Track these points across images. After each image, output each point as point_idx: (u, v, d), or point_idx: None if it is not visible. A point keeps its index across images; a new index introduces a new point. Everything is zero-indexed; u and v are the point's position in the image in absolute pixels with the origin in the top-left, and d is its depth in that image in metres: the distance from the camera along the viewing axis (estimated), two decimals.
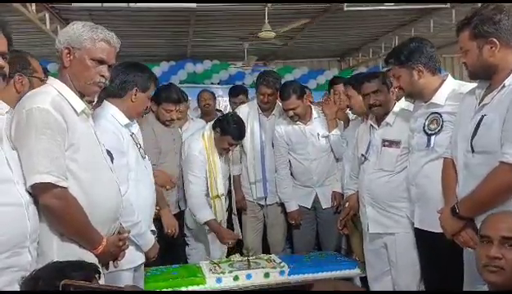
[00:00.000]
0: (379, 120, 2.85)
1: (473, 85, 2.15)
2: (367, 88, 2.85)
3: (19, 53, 2.11)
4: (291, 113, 3.68)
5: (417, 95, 2.53)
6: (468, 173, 2.02)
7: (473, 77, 2.10)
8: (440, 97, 2.41)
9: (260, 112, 3.94)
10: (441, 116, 2.38)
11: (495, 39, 1.93)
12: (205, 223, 3.47)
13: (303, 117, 3.73)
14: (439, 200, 2.25)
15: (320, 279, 2.96)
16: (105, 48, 1.92)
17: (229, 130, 3.47)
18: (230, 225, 3.87)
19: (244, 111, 3.96)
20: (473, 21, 1.97)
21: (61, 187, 1.74)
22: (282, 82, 3.89)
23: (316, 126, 3.76)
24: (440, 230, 2.17)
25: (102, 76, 1.93)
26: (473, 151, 1.97)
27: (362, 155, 2.91)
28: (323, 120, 3.76)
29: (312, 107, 3.86)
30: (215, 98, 5.39)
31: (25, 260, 1.64)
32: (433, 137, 2.39)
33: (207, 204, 3.51)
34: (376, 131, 2.85)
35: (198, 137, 3.60)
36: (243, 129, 3.59)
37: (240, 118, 3.66)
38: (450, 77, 2.49)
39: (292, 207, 3.84)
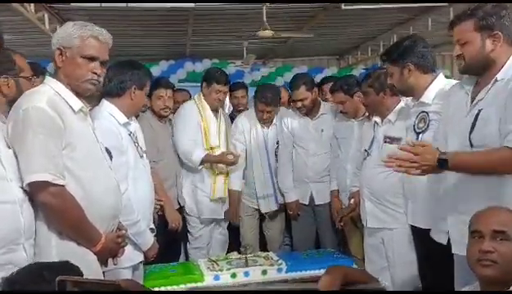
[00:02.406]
0: (383, 118, 2.91)
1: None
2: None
3: (3, 53, 2.05)
4: (299, 104, 3.73)
5: (408, 93, 2.58)
6: None
7: (466, 71, 2.08)
8: (428, 96, 2.46)
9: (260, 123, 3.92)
10: (428, 114, 2.43)
11: (500, 33, 1.92)
12: (202, 161, 3.58)
13: (310, 110, 3.75)
14: (428, 197, 2.27)
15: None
16: (94, 45, 1.93)
17: (213, 77, 3.64)
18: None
19: (244, 122, 3.93)
20: (479, 13, 1.95)
21: (58, 185, 1.76)
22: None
23: (323, 122, 3.78)
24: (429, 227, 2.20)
25: (94, 73, 1.93)
26: (471, 146, 1.97)
27: (365, 150, 2.98)
28: (331, 117, 3.78)
29: (322, 103, 3.88)
30: None
31: (20, 257, 1.66)
32: (420, 135, 2.45)
33: (197, 147, 3.62)
34: (379, 128, 2.91)
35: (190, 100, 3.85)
36: (225, 74, 3.74)
37: (221, 69, 3.91)
38: (440, 76, 2.53)
39: (291, 197, 3.86)
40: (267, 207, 3.95)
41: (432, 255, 2.41)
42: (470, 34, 1.97)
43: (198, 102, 3.72)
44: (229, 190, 3.80)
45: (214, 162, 3.67)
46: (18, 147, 1.75)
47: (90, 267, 1.81)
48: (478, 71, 2.03)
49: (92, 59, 1.92)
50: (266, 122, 3.89)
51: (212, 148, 3.67)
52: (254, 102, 3.93)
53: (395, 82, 2.57)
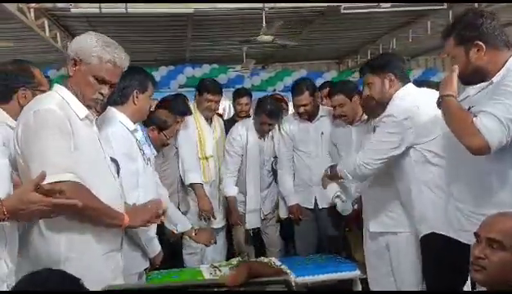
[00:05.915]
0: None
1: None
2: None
3: (23, 65, 2.11)
4: (302, 109, 3.72)
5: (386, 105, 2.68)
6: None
7: (465, 82, 2.11)
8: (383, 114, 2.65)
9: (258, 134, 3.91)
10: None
11: (480, 42, 1.96)
12: (192, 185, 3.61)
13: (311, 114, 3.75)
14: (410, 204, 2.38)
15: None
16: (109, 69, 1.93)
17: (204, 86, 3.75)
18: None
19: (241, 132, 3.90)
20: (456, 28, 2.01)
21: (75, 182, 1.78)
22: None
23: (322, 124, 3.78)
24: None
25: (101, 94, 1.95)
26: None
27: None
28: (329, 119, 3.77)
29: (320, 106, 3.88)
30: None
31: (1, 271, 1.67)
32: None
33: (198, 167, 3.66)
34: None
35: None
36: (217, 84, 3.93)
37: (214, 79, 4.09)
38: (405, 88, 2.62)
39: (292, 201, 3.86)
40: (251, 222, 3.92)
41: (428, 261, 2.42)
42: (453, 49, 2.04)
43: (194, 112, 3.73)
44: (226, 197, 3.82)
45: (196, 195, 3.71)
46: (30, 149, 1.76)
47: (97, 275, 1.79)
48: (474, 80, 2.07)
49: (102, 81, 1.93)
50: (265, 133, 3.90)
51: (206, 158, 3.71)
52: (256, 113, 3.90)
53: (375, 93, 2.65)
